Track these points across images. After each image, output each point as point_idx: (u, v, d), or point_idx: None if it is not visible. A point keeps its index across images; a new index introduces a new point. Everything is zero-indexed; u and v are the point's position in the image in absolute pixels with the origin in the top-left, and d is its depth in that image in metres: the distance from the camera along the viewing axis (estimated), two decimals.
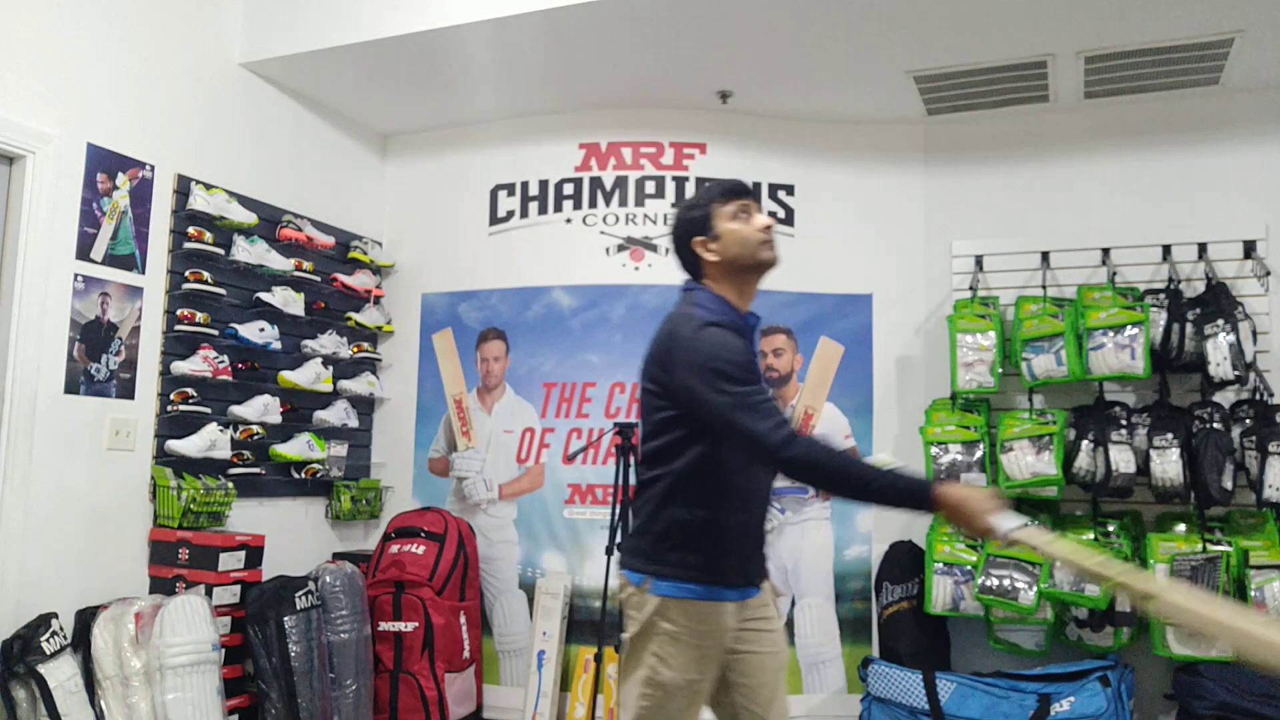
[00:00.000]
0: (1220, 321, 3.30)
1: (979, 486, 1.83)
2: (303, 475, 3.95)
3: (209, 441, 3.49)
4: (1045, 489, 3.44)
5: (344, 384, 4.16)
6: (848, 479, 1.88)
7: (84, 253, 3.17)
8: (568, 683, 3.87)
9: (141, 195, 3.37)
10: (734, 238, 2.11)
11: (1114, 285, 3.58)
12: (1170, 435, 3.28)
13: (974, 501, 1.81)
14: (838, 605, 3.91)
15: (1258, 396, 3.37)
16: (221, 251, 3.61)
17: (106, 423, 3.24)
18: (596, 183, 4.18)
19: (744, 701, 2.09)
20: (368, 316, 4.30)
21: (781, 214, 4.12)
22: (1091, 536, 3.39)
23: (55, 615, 2.96)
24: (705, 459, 2.00)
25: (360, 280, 4.27)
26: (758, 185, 4.10)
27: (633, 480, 3.60)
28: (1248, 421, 3.32)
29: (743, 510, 2.07)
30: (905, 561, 3.70)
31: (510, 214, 4.30)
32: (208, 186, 3.58)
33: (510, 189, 4.31)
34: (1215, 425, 3.27)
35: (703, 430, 1.98)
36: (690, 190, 4.10)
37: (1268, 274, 3.49)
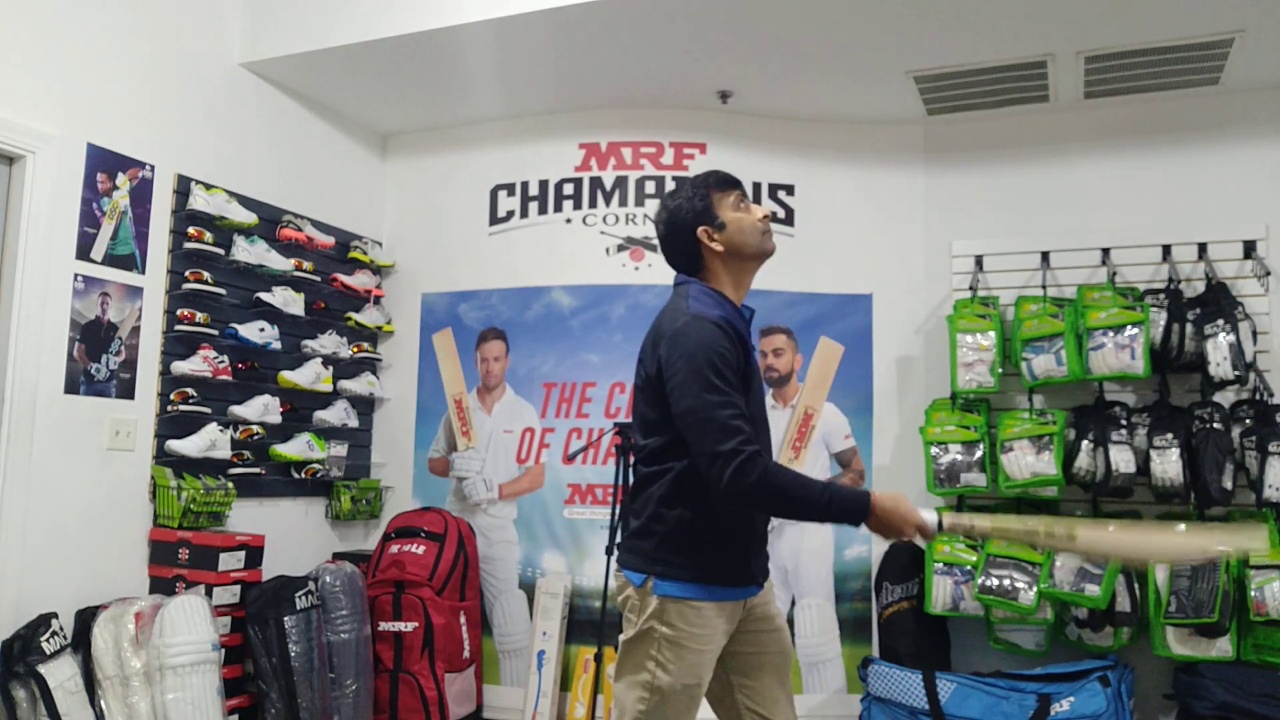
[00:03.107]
0: (1220, 321, 3.30)
1: (894, 494, 1.91)
2: (303, 475, 3.95)
3: (209, 441, 3.49)
4: (1045, 489, 3.44)
5: (344, 384, 4.16)
6: (790, 504, 1.90)
7: (84, 253, 3.17)
8: (568, 683, 3.87)
9: (141, 195, 3.37)
10: (739, 225, 2.10)
11: (1114, 285, 3.58)
12: (1170, 435, 3.28)
13: (903, 505, 1.86)
14: (838, 605, 3.91)
15: (1258, 396, 3.37)
16: (221, 251, 3.61)
17: (106, 423, 3.24)
18: (596, 183, 4.18)
19: (747, 702, 2.08)
20: (368, 316, 4.30)
21: (781, 214, 4.12)
22: None
23: (55, 615, 2.96)
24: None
25: (360, 280, 4.27)
26: (757, 185, 4.10)
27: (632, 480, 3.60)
28: (1248, 421, 3.32)
29: (747, 514, 2.05)
30: (905, 561, 3.70)
31: (510, 214, 4.30)
32: (208, 186, 3.58)
33: (510, 189, 4.31)
34: (1215, 425, 3.27)
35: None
36: None
37: (1268, 274, 3.49)
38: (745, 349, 2.02)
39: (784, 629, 2.17)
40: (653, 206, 4.11)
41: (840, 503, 1.87)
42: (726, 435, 1.84)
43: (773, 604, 2.16)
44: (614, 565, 2.11)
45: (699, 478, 1.94)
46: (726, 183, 2.13)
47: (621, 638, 2.05)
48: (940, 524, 1.86)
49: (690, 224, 2.10)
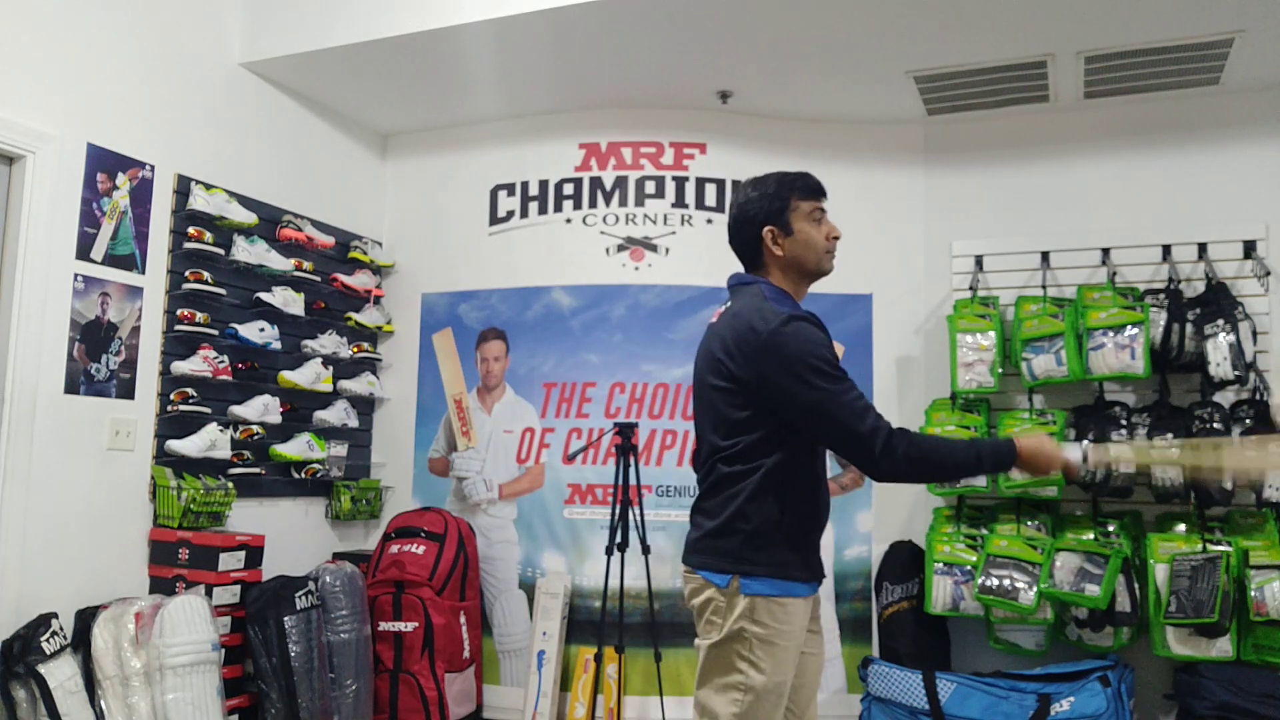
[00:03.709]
0: (1220, 321, 3.30)
1: (1036, 433, 2.02)
2: (303, 475, 3.95)
3: (209, 441, 3.49)
4: (1045, 489, 3.44)
5: (344, 384, 4.16)
6: (943, 469, 1.98)
7: (84, 253, 3.17)
8: (568, 683, 3.87)
9: (141, 195, 3.37)
10: (805, 239, 2.09)
11: (1114, 285, 3.58)
12: (1170, 435, 3.28)
13: (1047, 445, 1.94)
14: (838, 605, 3.91)
15: (1258, 396, 3.37)
16: (221, 251, 3.61)
17: (106, 423, 3.24)
18: (596, 183, 4.18)
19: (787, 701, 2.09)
20: (368, 316, 4.30)
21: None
22: (1091, 536, 3.39)
23: (55, 615, 2.96)
24: (792, 455, 2.01)
25: (360, 280, 4.27)
26: None
27: (634, 480, 3.61)
28: (1248, 421, 3.31)
29: (813, 501, 2.07)
30: (905, 561, 3.70)
31: (510, 214, 4.30)
32: (208, 186, 3.58)
33: (510, 189, 4.31)
34: (1215, 425, 3.27)
35: (786, 427, 1.99)
36: (690, 190, 4.10)
37: (1268, 274, 3.49)
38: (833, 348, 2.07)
39: (823, 631, 2.20)
40: (653, 206, 4.11)
41: (990, 455, 1.97)
42: (862, 417, 1.93)
43: (819, 605, 2.19)
44: (682, 568, 2.11)
45: (786, 475, 1.99)
46: (812, 191, 2.11)
47: (704, 642, 2.03)
48: (1085, 457, 1.98)
49: (760, 221, 2.09)
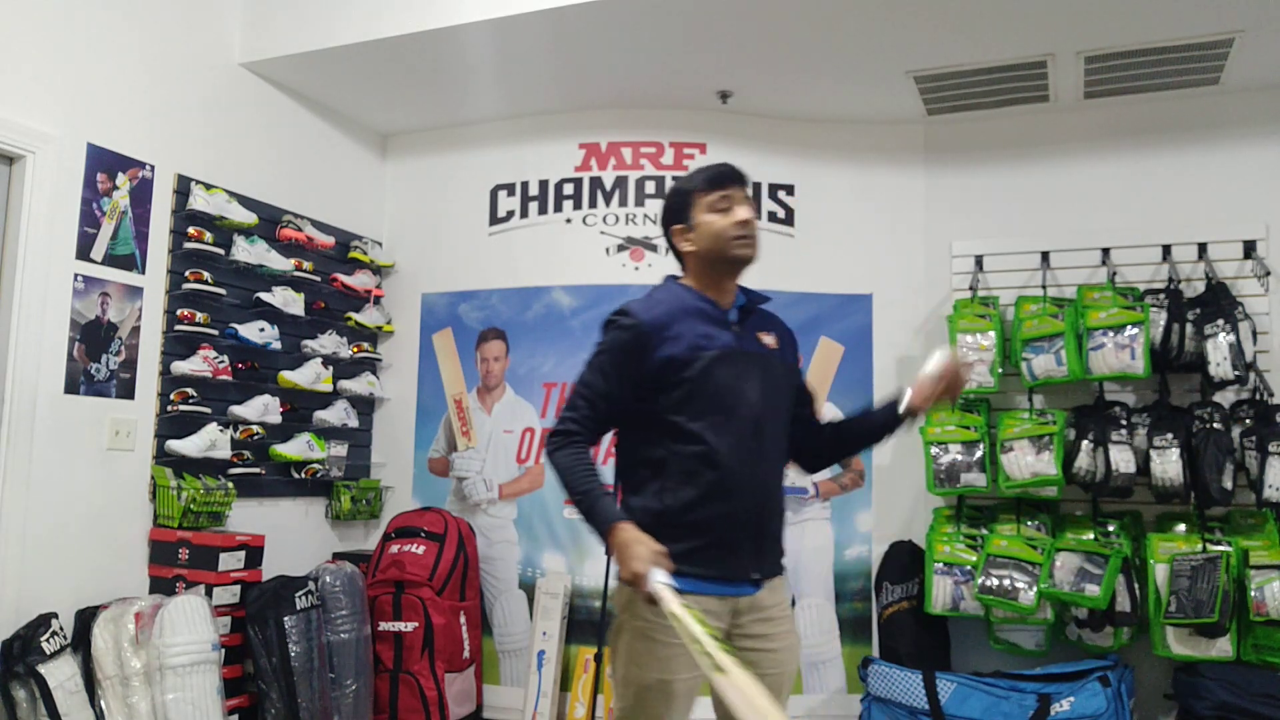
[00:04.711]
0: (1220, 321, 3.30)
1: (647, 540, 1.88)
2: (303, 475, 3.95)
3: (209, 441, 3.49)
4: (1045, 489, 3.44)
5: (344, 384, 4.16)
6: (568, 489, 1.98)
7: (84, 253, 3.17)
8: (568, 683, 3.87)
9: (141, 195, 3.37)
10: (708, 230, 2.07)
11: (1114, 285, 3.58)
12: (1170, 435, 3.28)
13: (637, 552, 1.85)
14: (838, 605, 3.91)
15: (1258, 396, 3.37)
16: (221, 251, 3.61)
17: (106, 423, 3.24)
18: (596, 183, 4.18)
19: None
20: (368, 316, 4.30)
21: (781, 214, 4.12)
22: (1091, 536, 3.39)
23: (55, 615, 2.96)
24: (667, 441, 2.00)
25: (360, 280, 4.27)
26: (758, 185, 4.10)
27: None
28: (1248, 421, 3.32)
29: (722, 500, 1.98)
30: (905, 561, 3.70)
31: (510, 214, 4.30)
32: (208, 186, 3.58)
33: (510, 189, 4.31)
34: (1215, 425, 3.27)
35: (636, 419, 2.03)
36: None
37: (1268, 274, 3.49)
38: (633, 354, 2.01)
39: (786, 651, 2.05)
40: (653, 206, 4.11)
41: (594, 511, 1.94)
42: (571, 406, 2.03)
43: (783, 620, 2.06)
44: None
45: (660, 461, 2.00)
46: (712, 181, 2.09)
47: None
48: (655, 590, 1.81)
49: (667, 221, 2.15)
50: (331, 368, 4.11)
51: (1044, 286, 3.71)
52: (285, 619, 3.29)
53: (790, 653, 2.07)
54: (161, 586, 3.30)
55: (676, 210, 2.12)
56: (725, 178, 2.10)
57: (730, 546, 2.00)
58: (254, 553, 3.41)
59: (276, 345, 3.81)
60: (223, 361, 3.58)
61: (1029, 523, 3.51)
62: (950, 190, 4.07)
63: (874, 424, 2.21)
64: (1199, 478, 3.23)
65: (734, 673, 1.71)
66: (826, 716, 3.81)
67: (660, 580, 1.82)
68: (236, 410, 3.65)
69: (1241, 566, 3.16)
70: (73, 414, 3.13)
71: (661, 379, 2.00)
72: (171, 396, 3.43)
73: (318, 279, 4.05)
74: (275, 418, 3.80)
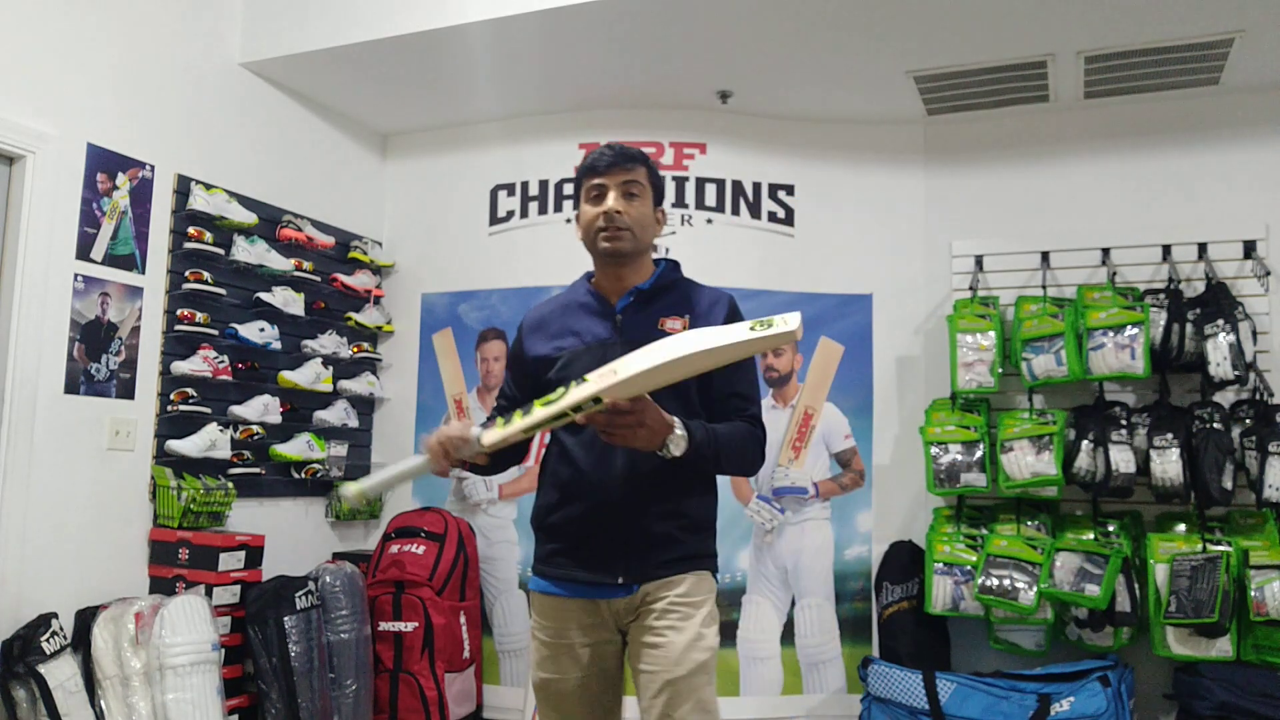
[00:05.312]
0: (1220, 321, 3.30)
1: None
2: (303, 475, 3.95)
3: (209, 441, 3.49)
4: (1045, 489, 3.44)
5: (344, 384, 4.16)
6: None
7: (84, 253, 3.17)
8: None
9: (141, 195, 3.37)
10: (581, 220, 2.05)
11: (1114, 285, 3.58)
12: (1170, 435, 3.28)
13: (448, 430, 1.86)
14: (838, 605, 3.91)
15: (1258, 396, 3.37)
16: (221, 251, 3.61)
17: (106, 423, 3.24)
18: None
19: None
20: (368, 316, 4.30)
21: (781, 214, 4.12)
22: (1091, 536, 3.39)
23: (55, 615, 2.96)
24: (553, 442, 2.05)
25: (360, 280, 4.27)
26: (758, 185, 4.09)
27: None
28: (1248, 421, 3.32)
29: (577, 501, 1.96)
30: (905, 561, 3.71)
31: (510, 214, 4.30)
32: (208, 186, 3.58)
33: (510, 189, 4.31)
34: (1215, 425, 3.27)
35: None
36: (690, 190, 4.09)
37: (1268, 274, 3.49)
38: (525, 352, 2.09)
39: (664, 648, 1.87)
40: None
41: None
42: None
43: (667, 615, 1.89)
44: None
45: (547, 460, 2.05)
46: (587, 169, 2.02)
47: None
48: (482, 441, 1.83)
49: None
50: (331, 368, 4.11)
51: (1044, 286, 3.71)
52: (285, 619, 3.29)
53: (669, 649, 1.86)
54: (161, 586, 3.30)
55: (576, 200, 2.08)
56: (598, 165, 1.99)
57: (590, 548, 1.93)
58: (254, 553, 3.41)
59: (276, 345, 3.81)
60: (223, 361, 3.58)
61: (1029, 523, 3.51)
62: (950, 190, 4.07)
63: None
64: (1199, 478, 3.23)
65: (591, 380, 1.71)
66: (826, 716, 3.81)
67: (476, 433, 1.85)
68: (236, 410, 3.65)
69: (1241, 566, 3.16)
70: (73, 414, 3.13)
71: (538, 378, 2.03)
72: (171, 396, 3.43)
73: (318, 279, 4.05)
74: (275, 418, 3.80)
